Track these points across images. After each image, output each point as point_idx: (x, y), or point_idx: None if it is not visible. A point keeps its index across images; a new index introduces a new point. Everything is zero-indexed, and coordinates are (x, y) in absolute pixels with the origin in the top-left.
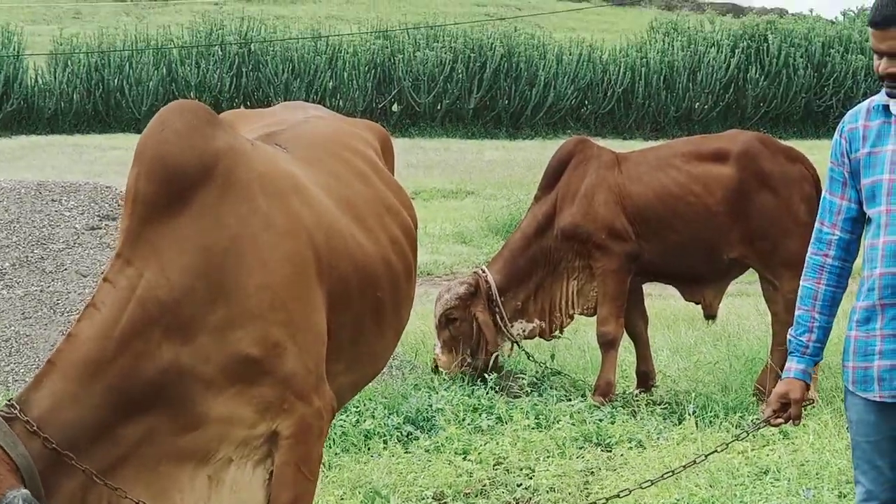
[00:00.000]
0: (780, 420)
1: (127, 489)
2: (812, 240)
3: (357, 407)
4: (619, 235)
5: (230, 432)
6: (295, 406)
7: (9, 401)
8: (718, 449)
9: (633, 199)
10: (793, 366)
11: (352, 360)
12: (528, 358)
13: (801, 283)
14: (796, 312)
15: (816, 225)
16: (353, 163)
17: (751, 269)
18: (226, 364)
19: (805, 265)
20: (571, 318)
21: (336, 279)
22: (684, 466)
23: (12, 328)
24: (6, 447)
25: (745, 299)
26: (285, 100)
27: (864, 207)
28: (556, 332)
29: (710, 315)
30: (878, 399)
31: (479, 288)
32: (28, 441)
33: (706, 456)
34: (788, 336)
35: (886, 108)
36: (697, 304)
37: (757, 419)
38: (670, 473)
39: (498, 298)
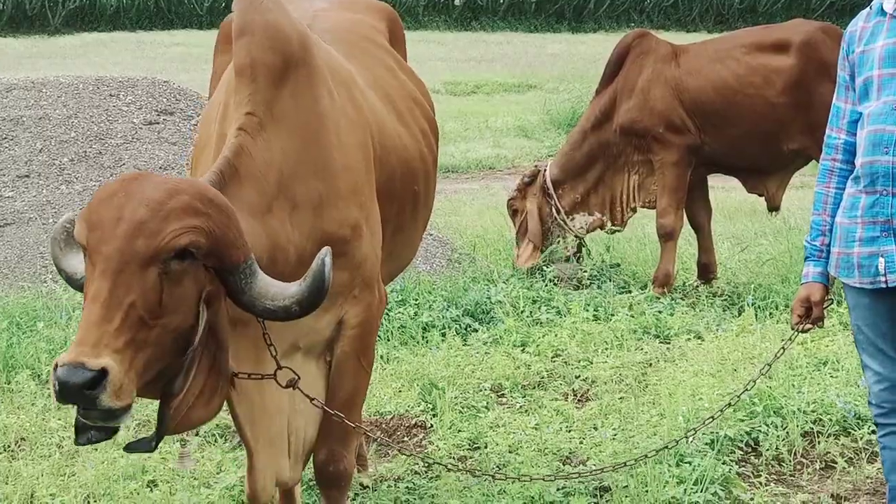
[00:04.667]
0: (808, 326)
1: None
2: (823, 146)
3: (416, 300)
4: (678, 129)
5: (307, 318)
6: (363, 294)
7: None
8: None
9: (690, 92)
10: (810, 270)
11: (390, 251)
12: (587, 252)
13: (815, 189)
14: (811, 218)
15: (826, 131)
16: (379, 56)
17: (814, 162)
18: (321, 243)
19: (818, 172)
20: (634, 210)
21: (386, 174)
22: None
23: None
24: None
25: (807, 191)
26: None
27: (858, 106)
28: (618, 226)
29: (774, 207)
30: (856, 285)
31: (537, 179)
32: None
33: None
34: (804, 242)
35: (883, 7)
36: (760, 195)
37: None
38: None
39: (552, 191)
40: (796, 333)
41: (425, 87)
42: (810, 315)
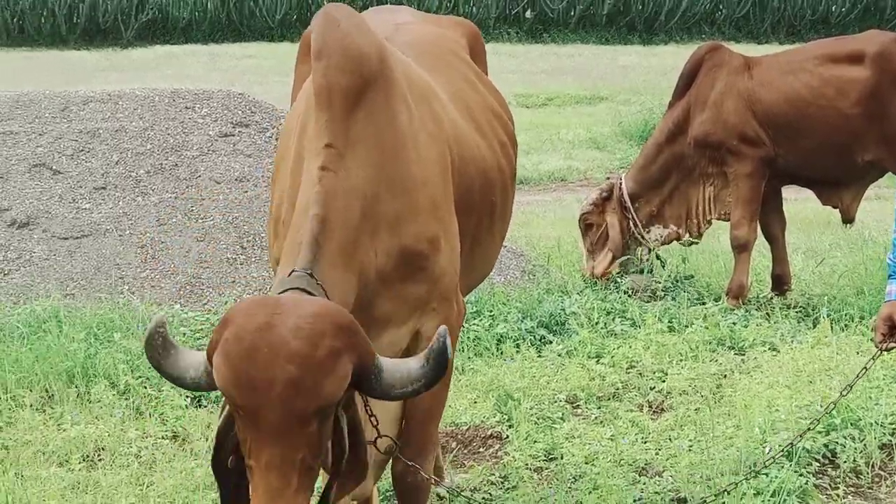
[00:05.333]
0: (892, 344)
1: None
2: None
3: (490, 311)
4: (752, 141)
5: (384, 331)
6: (441, 307)
7: (305, 271)
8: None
9: (763, 104)
10: (893, 288)
11: (468, 263)
12: (661, 263)
13: (895, 206)
14: (892, 235)
15: None
16: (461, 69)
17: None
18: (399, 258)
19: None
20: (709, 223)
21: (464, 186)
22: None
23: (147, 235)
24: None
25: (882, 203)
26: (419, 5)
27: None
28: (694, 238)
29: (848, 219)
30: None
31: (614, 193)
32: None
33: None
34: (887, 259)
35: None
36: (835, 207)
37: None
38: None
39: (629, 204)
40: (880, 352)
41: (505, 101)
42: (894, 334)
